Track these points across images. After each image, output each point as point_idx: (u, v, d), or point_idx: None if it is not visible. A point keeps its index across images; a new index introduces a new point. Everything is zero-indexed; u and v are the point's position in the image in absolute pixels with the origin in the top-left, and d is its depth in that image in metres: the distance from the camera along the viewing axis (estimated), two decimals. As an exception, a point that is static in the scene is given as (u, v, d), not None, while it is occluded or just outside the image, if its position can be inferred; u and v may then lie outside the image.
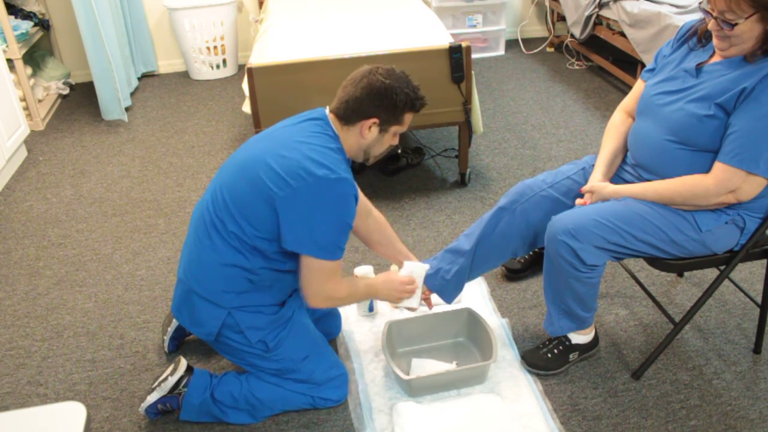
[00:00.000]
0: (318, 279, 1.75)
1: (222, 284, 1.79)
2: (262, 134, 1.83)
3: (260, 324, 1.83)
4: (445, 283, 2.09)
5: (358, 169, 3.28)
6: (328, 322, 2.16)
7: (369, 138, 1.78)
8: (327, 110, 1.81)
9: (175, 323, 2.16)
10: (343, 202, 1.69)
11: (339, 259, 1.75)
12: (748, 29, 1.65)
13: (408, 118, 1.80)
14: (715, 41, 1.76)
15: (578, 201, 1.97)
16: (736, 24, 1.65)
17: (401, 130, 1.82)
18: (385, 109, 1.74)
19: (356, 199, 1.74)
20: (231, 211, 1.74)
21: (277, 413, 1.94)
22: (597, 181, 1.95)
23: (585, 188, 1.96)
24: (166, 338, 2.17)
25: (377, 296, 1.96)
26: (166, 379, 1.89)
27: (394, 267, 2.27)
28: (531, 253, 2.43)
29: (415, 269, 1.99)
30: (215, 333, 1.83)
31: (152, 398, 1.88)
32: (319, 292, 1.77)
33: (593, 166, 2.04)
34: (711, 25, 1.71)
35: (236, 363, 1.93)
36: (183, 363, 1.93)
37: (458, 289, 2.12)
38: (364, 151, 1.83)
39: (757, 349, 2.11)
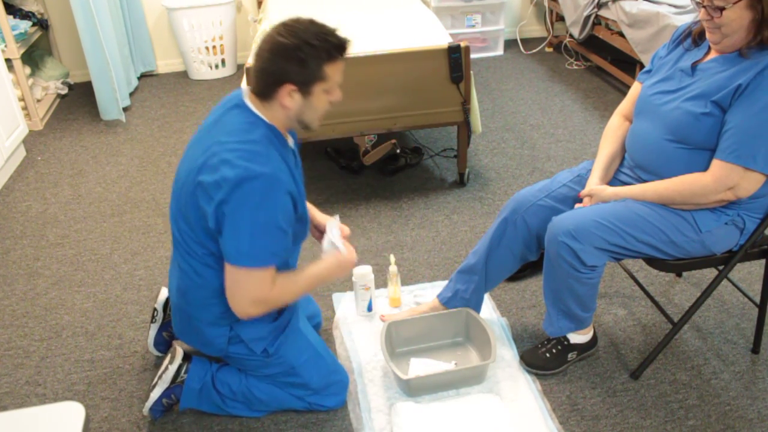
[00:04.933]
0: (243, 287, 1.63)
1: (217, 306, 1.77)
2: (193, 139, 1.71)
3: (263, 334, 1.83)
4: (466, 303, 2.14)
5: (357, 169, 3.28)
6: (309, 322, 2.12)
7: (294, 106, 1.60)
8: (245, 90, 1.65)
9: (154, 327, 2.14)
10: (265, 200, 1.54)
11: (270, 266, 1.62)
12: (737, 17, 1.66)
13: (333, 69, 1.58)
14: (708, 35, 1.77)
15: (578, 206, 1.97)
16: (724, 9, 1.66)
17: (333, 85, 1.61)
18: (295, 71, 1.54)
19: (290, 194, 1.60)
20: (193, 233, 1.68)
21: (274, 411, 1.94)
22: (595, 185, 1.96)
23: (584, 192, 1.97)
24: (150, 342, 2.15)
25: (329, 278, 1.81)
26: (166, 368, 1.88)
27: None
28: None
29: (331, 226, 1.87)
30: (225, 348, 1.83)
31: (156, 394, 1.87)
32: (243, 298, 1.64)
33: (590, 171, 2.04)
34: (702, 14, 1.73)
35: (238, 367, 1.93)
36: (180, 351, 1.92)
37: (480, 303, 2.17)
38: (296, 120, 1.64)
39: (755, 349, 2.11)
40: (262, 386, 1.90)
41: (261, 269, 1.62)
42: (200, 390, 1.88)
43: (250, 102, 1.63)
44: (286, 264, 1.79)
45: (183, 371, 1.89)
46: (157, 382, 1.88)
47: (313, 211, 1.97)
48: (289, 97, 1.58)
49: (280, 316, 1.87)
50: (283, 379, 1.89)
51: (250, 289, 1.63)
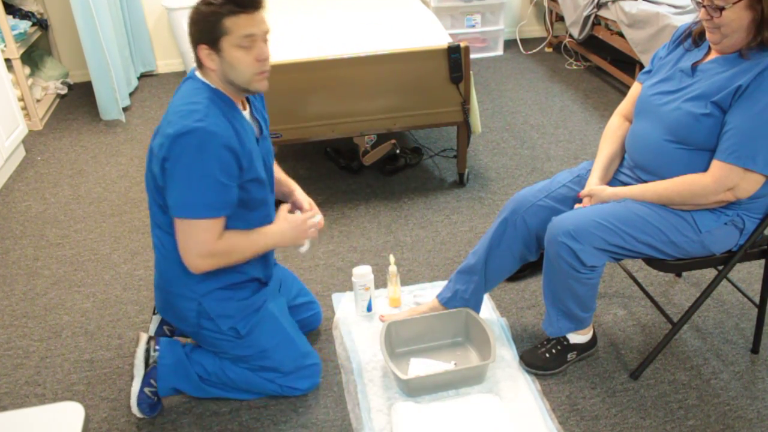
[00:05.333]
0: (187, 238, 1.68)
1: (181, 277, 1.81)
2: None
3: (230, 311, 1.86)
4: (465, 303, 2.14)
5: (357, 169, 3.28)
6: (304, 312, 2.17)
7: (216, 66, 1.68)
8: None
9: (156, 320, 2.15)
10: (200, 153, 1.61)
11: (214, 218, 1.68)
12: (736, 17, 1.67)
13: (233, 23, 1.62)
14: (708, 35, 1.77)
15: (577, 206, 1.98)
16: (723, 9, 1.66)
17: (241, 39, 1.64)
18: (200, 30, 1.65)
19: (231, 149, 1.65)
20: (155, 202, 1.77)
21: (250, 398, 1.98)
22: (594, 185, 1.96)
23: (583, 192, 1.97)
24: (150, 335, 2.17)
25: (283, 240, 1.84)
26: (134, 355, 1.91)
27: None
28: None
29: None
30: (197, 323, 1.86)
31: (136, 387, 1.89)
32: (189, 250, 1.69)
33: (589, 171, 2.05)
34: (702, 14, 1.73)
35: (211, 350, 1.95)
36: (143, 335, 1.95)
37: (479, 303, 2.17)
38: (227, 82, 1.70)
39: (755, 349, 2.11)
40: (236, 369, 1.93)
41: (202, 220, 1.67)
42: (175, 365, 1.91)
43: (198, 73, 1.75)
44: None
45: (152, 350, 1.92)
46: (133, 374, 1.90)
47: (294, 186, 2.06)
48: (209, 59, 1.67)
49: (252, 296, 1.90)
50: (255, 362, 1.92)
51: (194, 241, 1.68)
